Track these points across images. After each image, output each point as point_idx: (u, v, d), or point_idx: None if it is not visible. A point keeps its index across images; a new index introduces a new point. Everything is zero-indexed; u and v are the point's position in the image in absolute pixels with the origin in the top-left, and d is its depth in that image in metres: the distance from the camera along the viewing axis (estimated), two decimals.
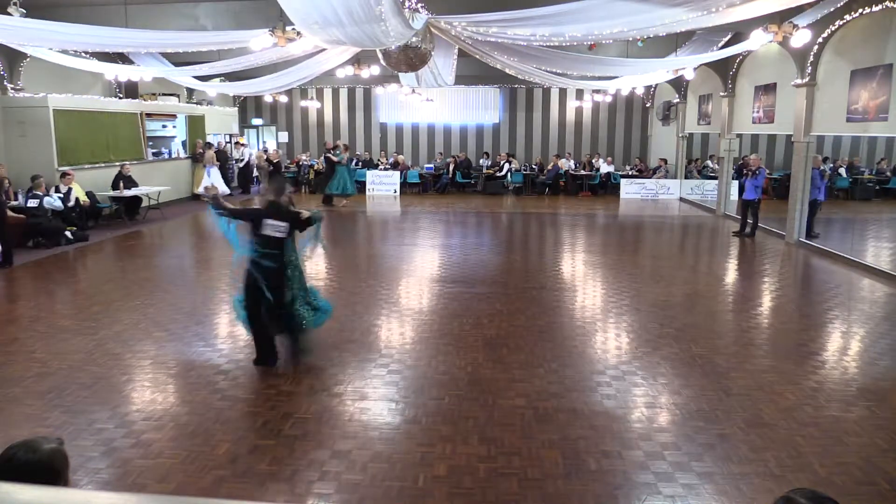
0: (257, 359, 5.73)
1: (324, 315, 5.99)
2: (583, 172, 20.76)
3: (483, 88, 22.17)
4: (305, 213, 5.69)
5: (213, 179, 16.71)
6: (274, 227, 5.49)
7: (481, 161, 21.92)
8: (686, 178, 19.49)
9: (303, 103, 22.81)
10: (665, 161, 20.07)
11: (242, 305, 5.65)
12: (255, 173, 20.81)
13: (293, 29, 7.76)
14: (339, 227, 14.55)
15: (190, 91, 18.61)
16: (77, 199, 12.16)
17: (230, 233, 5.86)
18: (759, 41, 9.23)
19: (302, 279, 5.81)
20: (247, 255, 5.58)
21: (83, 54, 11.92)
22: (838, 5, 9.69)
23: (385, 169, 21.13)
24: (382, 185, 20.22)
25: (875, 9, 9.30)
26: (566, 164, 20.95)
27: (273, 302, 5.47)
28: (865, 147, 20.91)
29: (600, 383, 5.36)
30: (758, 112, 13.92)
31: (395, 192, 20.12)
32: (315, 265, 10.43)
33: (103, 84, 15.60)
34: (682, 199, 19.00)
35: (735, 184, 14.46)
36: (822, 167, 12.12)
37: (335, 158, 17.02)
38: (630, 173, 20.60)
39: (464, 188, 21.10)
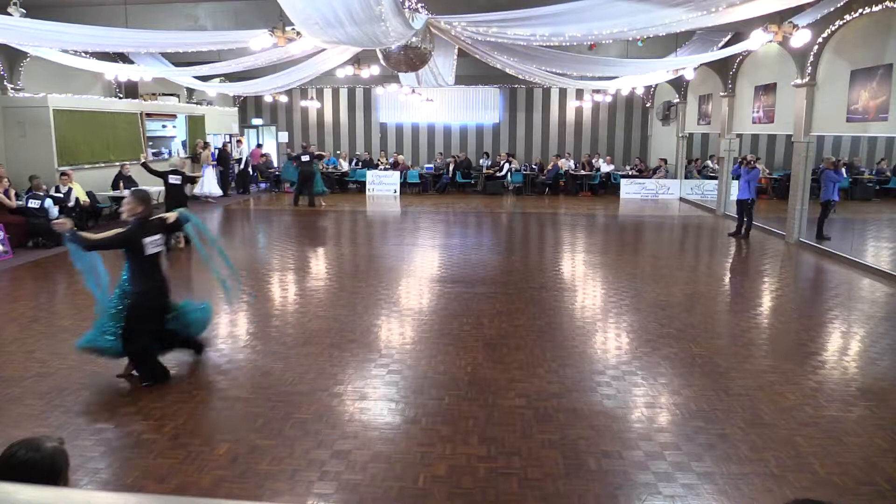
0: (155, 378, 5.31)
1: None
2: (583, 172, 20.75)
3: (483, 88, 22.16)
4: (172, 217, 5.59)
5: (207, 179, 16.76)
6: (154, 244, 5.34)
7: (481, 161, 21.92)
8: (686, 178, 19.50)
9: (303, 103, 22.80)
10: (665, 161, 20.07)
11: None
12: (254, 172, 20.96)
13: (293, 29, 7.75)
14: (337, 227, 14.56)
15: (190, 91, 18.61)
16: (77, 199, 12.17)
17: (88, 274, 5.65)
18: (759, 41, 9.22)
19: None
20: (139, 285, 5.39)
21: (83, 54, 11.91)
22: (838, 5, 9.69)
23: (385, 169, 21.14)
24: (382, 185, 20.24)
25: (875, 9, 9.30)
26: (566, 164, 20.95)
27: (166, 318, 5.47)
28: (865, 147, 20.92)
29: (600, 383, 5.36)
30: (758, 112, 13.92)
31: (395, 192, 20.12)
32: (315, 265, 10.43)
33: (103, 84, 15.60)
34: (682, 199, 19.00)
35: (735, 184, 14.45)
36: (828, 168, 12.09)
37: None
38: (630, 173, 20.59)
39: (464, 188, 21.09)
